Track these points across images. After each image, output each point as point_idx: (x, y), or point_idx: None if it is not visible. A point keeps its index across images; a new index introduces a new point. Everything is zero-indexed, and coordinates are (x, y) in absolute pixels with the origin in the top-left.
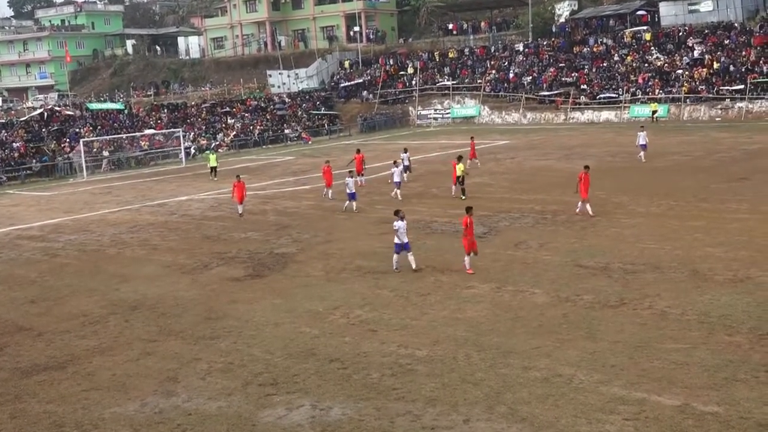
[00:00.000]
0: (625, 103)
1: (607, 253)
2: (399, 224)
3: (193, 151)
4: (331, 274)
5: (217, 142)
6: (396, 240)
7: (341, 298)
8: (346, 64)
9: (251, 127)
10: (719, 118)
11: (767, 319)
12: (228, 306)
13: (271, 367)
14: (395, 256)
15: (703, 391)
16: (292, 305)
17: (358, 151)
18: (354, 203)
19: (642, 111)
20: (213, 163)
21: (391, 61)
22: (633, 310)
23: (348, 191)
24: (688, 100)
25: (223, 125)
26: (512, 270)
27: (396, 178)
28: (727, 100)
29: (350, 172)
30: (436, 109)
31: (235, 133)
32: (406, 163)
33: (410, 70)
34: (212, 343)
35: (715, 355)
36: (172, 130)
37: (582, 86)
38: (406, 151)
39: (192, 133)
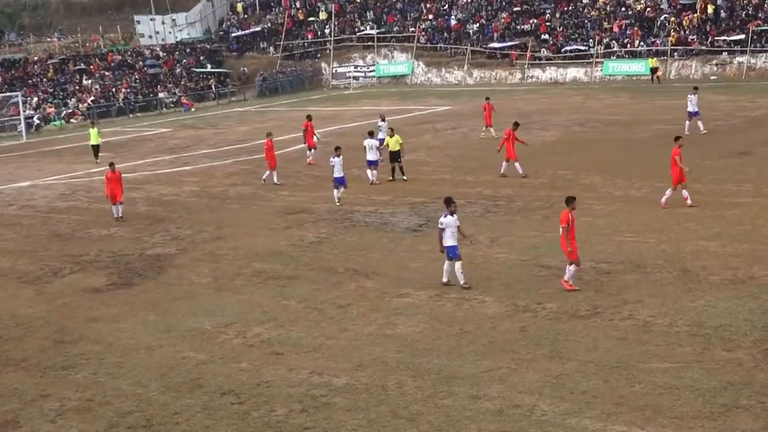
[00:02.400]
0: (597, 57)
1: (579, 249)
2: (446, 221)
3: (36, 121)
4: (222, 281)
5: (69, 110)
6: (449, 242)
7: (235, 312)
8: (239, 7)
9: (114, 90)
10: (714, 77)
11: None
12: (85, 325)
13: (143, 404)
14: (446, 263)
15: (697, 421)
16: (171, 323)
17: (309, 117)
18: (338, 191)
19: (619, 68)
20: (94, 140)
21: (298, 4)
22: (609, 321)
23: (335, 175)
24: (675, 53)
25: (77, 87)
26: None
27: (371, 156)
28: (724, 53)
29: (336, 148)
30: (356, 66)
31: (92, 97)
32: (382, 136)
33: (322, 16)
34: (65, 375)
35: (711, 376)
36: (8, 94)
37: (543, 36)
38: (383, 119)
39: (35, 98)
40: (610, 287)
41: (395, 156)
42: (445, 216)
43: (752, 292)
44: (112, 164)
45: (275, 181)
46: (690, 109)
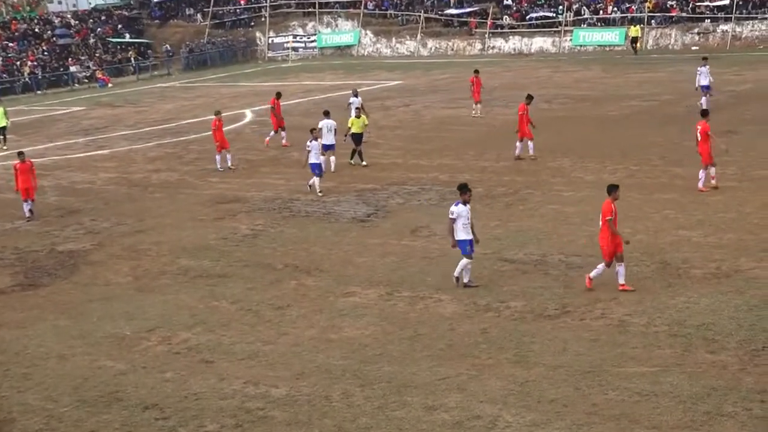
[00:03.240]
0: (565, 26)
1: (543, 241)
2: (457, 210)
3: None
4: (144, 281)
5: None
6: (462, 235)
7: (159, 315)
8: None
9: (19, 64)
10: (696, 47)
11: (763, 329)
12: None
13: (54, 420)
14: (464, 261)
15: (677, 431)
16: (86, 328)
17: (278, 95)
18: (317, 180)
19: (590, 38)
20: (1, 121)
21: None
22: (580, 320)
23: (311, 161)
24: (653, 21)
25: None
26: (409, 268)
27: (328, 139)
28: (707, 21)
29: (312, 130)
30: (295, 36)
31: None
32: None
33: None
34: None
35: (692, 380)
36: None
37: (505, 2)
38: (356, 93)
39: None
40: (580, 283)
41: (358, 138)
42: (457, 204)
43: (738, 287)
44: (21, 153)
45: (230, 165)
46: (703, 82)
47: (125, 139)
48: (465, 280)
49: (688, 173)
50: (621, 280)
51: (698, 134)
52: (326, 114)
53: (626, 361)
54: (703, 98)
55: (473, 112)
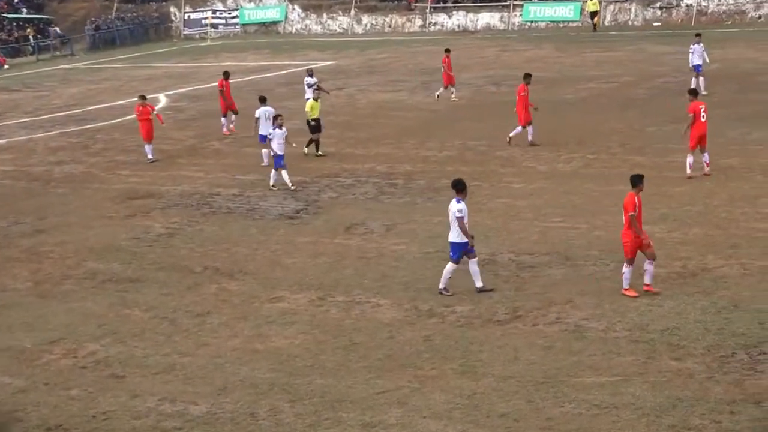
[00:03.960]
0: (515, 0)
1: (491, 239)
2: (456, 208)
3: None
4: (46, 286)
5: None
6: (455, 237)
7: (63, 324)
8: None
9: None
10: (658, 23)
11: (732, 333)
12: None
13: None
14: (450, 267)
15: None
16: None
17: (227, 75)
18: (285, 173)
19: (542, 13)
20: None
21: None
22: (533, 326)
23: (273, 153)
24: None
25: None
26: (343, 269)
27: (265, 129)
28: None
29: (276, 117)
30: (215, 11)
31: None
32: (311, 96)
33: None
34: None
35: (656, 391)
36: None
37: None
38: (311, 73)
39: None
40: (533, 285)
41: (318, 125)
42: (458, 201)
43: (705, 288)
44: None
45: (149, 156)
46: (695, 61)
47: (23, 127)
48: (479, 285)
49: (650, 162)
50: (647, 279)
51: (691, 114)
52: (263, 101)
53: (583, 370)
54: (694, 80)
55: (452, 97)
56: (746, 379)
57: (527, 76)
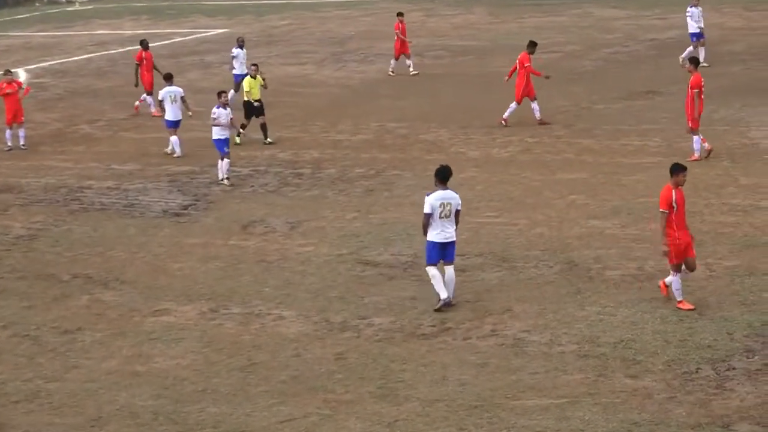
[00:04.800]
0: None
1: (415, 238)
2: (433, 199)
3: None
4: None
5: None
6: (437, 236)
7: None
8: None
9: None
10: None
11: (696, 346)
12: None
13: None
14: (431, 270)
15: None
16: None
17: (146, 45)
18: (224, 163)
19: None
20: None
21: None
22: (464, 340)
23: (216, 136)
24: None
25: None
26: (239, 276)
27: (172, 114)
28: None
29: (220, 95)
30: None
31: None
32: (239, 71)
33: None
34: None
35: (608, 414)
36: None
37: None
38: (241, 44)
39: None
40: (464, 291)
41: (260, 108)
42: (429, 194)
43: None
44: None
45: (21, 142)
46: (693, 29)
47: None
48: (444, 297)
49: (600, 146)
50: (676, 295)
51: (689, 89)
52: (168, 79)
53: (524, 391)
54: (690, 48)
55: (390, 70)
56: (713, 399)
57: (532, 45)
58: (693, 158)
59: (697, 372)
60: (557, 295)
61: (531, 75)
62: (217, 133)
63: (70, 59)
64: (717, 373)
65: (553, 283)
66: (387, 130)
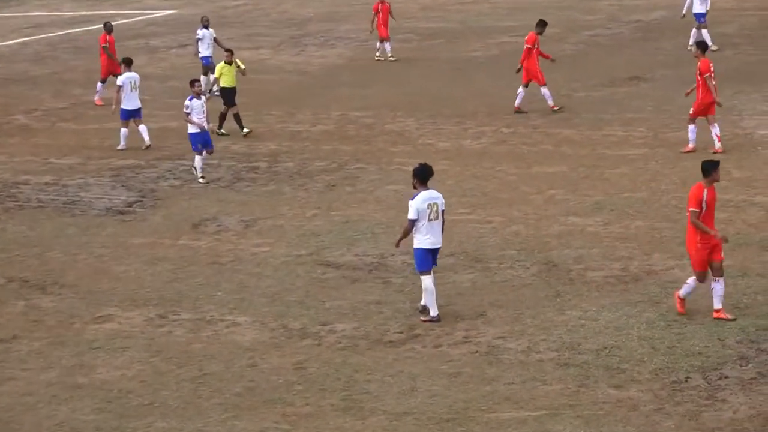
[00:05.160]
0: None
1: (380, 237)
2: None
3: None
4: None
5: None
6: (428, 241)
7: None
8: None
9: None
10: None
11: (686, 353)
12: None
13: None
14: (428, 280)
15: None
16: None
17: (110, 28)
18: (199, 160)
19: None
20: None
21: None
22: (434, 348)
23: (191, 130)
24: None
25: None
26: (190, 279)
27: (130, 102)
28: None
29: (193, 83)
30: None
31: None
32: (206, 52)
33: None
34: None
35: (591, 427)
36: None
37: None
38: (206, 24)
39: None
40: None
41: (231, 95)
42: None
43: (651, 295)
44: None
45: None
46: (697, 8)
47: None
48: (423, 305)
49: (581, 136)
50: (716, 304)
51: (697, 75)
52: (127, 63)
53: (499, 402)
54: (695, 31)
55: (377, 53)
56: (703, 411)
57: (541, 24)
58: (688, 149)
59: (686, 381)
60: (535, 299)
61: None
62: (192, 127)
63: (3, 43)
64: (708, 383)
65: (531, 286)
66: (350, 119)
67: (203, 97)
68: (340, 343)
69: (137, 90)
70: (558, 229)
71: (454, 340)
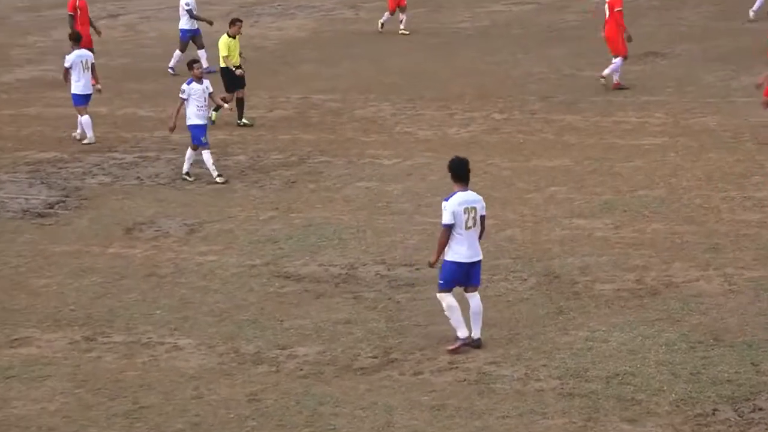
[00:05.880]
0: None
1: (349, 243)
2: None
3: None
4: None
5: None
6: (463, 254)
7: None
8: None
9: None
10: None
11: (712, 380)
12: None
13: None
14: (448, 298)
15: None
16: None
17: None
18: (209, 155)
19: None
20: None
21: None
22: (414, 375)
23: (191, 121)
24: None
25: None
26: (123, 294)
27: (80, 86)
28: None
29: (192, 64)
30: None
31: None
32: (187, 25)
33: None
34: None
35: None
36: None
37: None
38: None
39: None
40: (414, 312)
41: (242, 77)
42: (446, 198)
43: (671, 312)
44: None
45: None
46: None
47: None
48: (463, 335)
49: (587, 123)
50: None
51: None
52: (76, 39)
53: None
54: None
55: (401, 26)
56: None
57: None
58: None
59: (713, 414)
60: (533, 317)
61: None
62: (195, 117)
63: None
64: (739, 416)
65: (528, 301)
66: (313, 104)
67: (205, 82)
68: (301, 369)
69: (89, 71)
70: (560, 233)
71: (438, 366)
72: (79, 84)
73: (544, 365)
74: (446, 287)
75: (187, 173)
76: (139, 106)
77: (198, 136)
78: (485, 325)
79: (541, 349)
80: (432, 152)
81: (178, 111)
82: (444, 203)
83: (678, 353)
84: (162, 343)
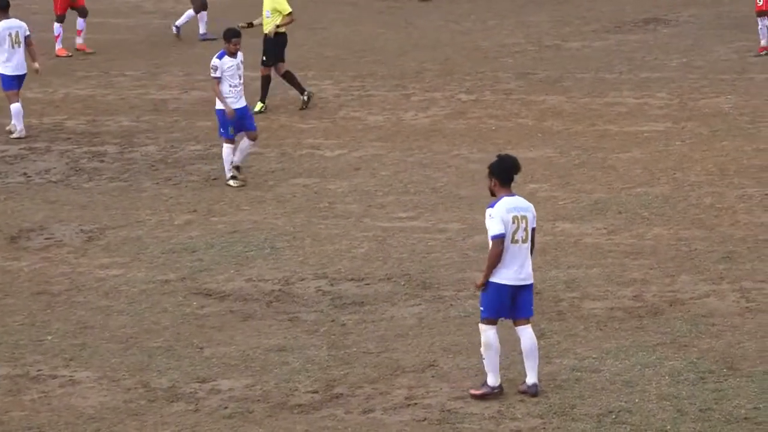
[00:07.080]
0: None
1: (282, 253)
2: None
3: None
4: None
5: None
6: (511, 275)
7: None
8: None
9: None
10: None
11: (726, 417)
12: None
13: None
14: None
15: None
16: None
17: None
18: (230, 150)
19: None
20: None
21: None
22: (363, 413)
23: (220, 105)
24: None
25: None
26: (5, 317)
27: (11, 66)
28: None
29: (232, 37)
30: None
31: None
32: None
33: None
34: None
35: None
36: None
37: None
38: None
39: None
40: (362, 336)
41: (281, 48)
42: (491, 205)
43: (676, 335)
44: None
45: None
46: None
47: None
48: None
49: (574, 106)
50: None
51: None
52: (4, 8)
53: None
54: None
55: None
56: None
57: None
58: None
59: None
60: (508, 341)
61: None
62: (233, 99)
63: None
64: None
65: (502, 323)
66: (257, 81)
67: (240, 55)
68: (226, 408)
69: (20, 46)
70: (541, 240)
71: (392, 403)
72: (7, 62)
73: (522, 401)
74: (489, 316)
75: (233, 176)
76: (26, 86)
77: (225, 125)
78: (448, 352)
79: (518, 380)
80: (383, 141)
81: (219, 93)
82: (488, 210)
83: (684, 385)
84: (54, 377)
